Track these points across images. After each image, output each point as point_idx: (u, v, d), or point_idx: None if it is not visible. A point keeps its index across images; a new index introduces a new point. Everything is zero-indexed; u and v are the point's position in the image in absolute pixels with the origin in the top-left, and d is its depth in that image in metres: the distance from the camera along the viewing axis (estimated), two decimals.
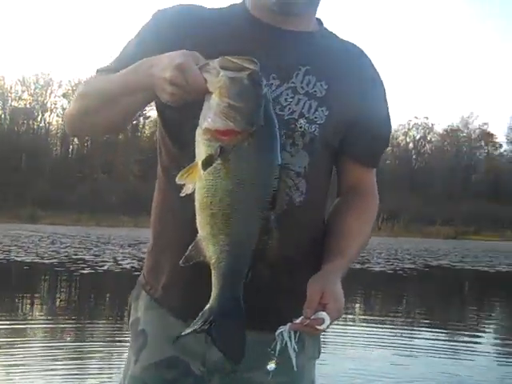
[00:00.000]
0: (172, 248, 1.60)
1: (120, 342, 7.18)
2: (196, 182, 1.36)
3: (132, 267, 15.80)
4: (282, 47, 1.58)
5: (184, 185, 1.38)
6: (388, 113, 1.73)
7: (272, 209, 1.37)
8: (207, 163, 1.33)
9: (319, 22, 1.70)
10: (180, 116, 1.54)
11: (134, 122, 69.63)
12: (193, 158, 1.38)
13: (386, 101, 1.71)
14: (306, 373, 1.64)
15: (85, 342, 7.50)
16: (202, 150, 1.34)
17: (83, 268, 15.06)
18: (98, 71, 1.67)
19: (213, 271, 1.39)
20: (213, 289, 1.39)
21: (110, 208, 49.43)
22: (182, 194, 1.37)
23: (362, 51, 1.71)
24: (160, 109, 1.63)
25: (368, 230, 1.70)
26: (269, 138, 1.36)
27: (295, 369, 1.49)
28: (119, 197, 51.58)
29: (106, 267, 15.60)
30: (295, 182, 1.55)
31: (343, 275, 1.56)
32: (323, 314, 1.43)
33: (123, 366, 1.75)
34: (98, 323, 8.82)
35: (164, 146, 1.66)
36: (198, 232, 1.42)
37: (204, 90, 1.34)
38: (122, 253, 20.73)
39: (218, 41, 1.53)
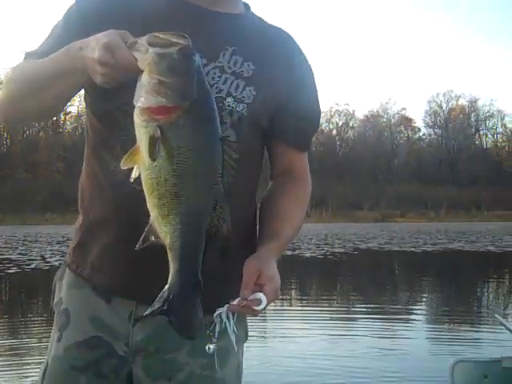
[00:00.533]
0: (100, 227, 1.59)
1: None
2: (140, 165, 1.33)
3: (61, 264, 15.44)
4: (209, 27, 1.58)
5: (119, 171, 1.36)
6: (316, 96, 1.74)
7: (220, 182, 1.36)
8: (150, 145, 1.29)
9: (246, 6, 1.70)
10: (107, 96, 1.51)
11: (55, 119, 68.44)
12: (124, 140, 1.38)
13: (314, 84, 1.73)
14: (230, 355, 1.62)
15: (19, 339, 7.30)
16: (140, 132, 1.31)
17: (9, 268, 14.67)
18: (26, 55, 1.64)
19: (169, 252, 1.37)
20: (170, 269, 1.37)
21: (35, 206, 48.38)
22: (131, 180, 1.34)
23: (290, 36, 1.72)
24: (87, 91, 1.60)
25: (301, 212, 1.71)
26: (206, 111, 1.34)
27: (235, 349, 1.51)
28: (44, 195, 50.53)
29: (33, 265, 15.24)
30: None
31: (278, 257, 1.57)
32: (260, 295, 1.43)
33: None
34: (30, 321, 8.60)
35: (91, 128, 1.63)
36: (126, 211, 1.43)
37: (135, 68, 1.31)
38: (50, 250, 20.32)
39: (145, 22, 1.51)
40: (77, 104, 70.16)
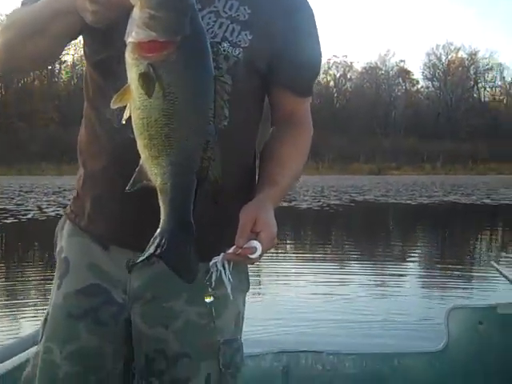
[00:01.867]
0: (96, 178, 1.59)
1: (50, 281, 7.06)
2: (131, 106, 1.29)
3: (58, 215, 15.52)
4: None
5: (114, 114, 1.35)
6: (317, 40, 1.69)
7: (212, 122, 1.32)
8: (141, 83, 1.25)
9: None
10: (101, 43, 1.51)
11: (50, 68, 67.81)
12: (118, 87, 1.32)
13: (314, 28, 1.68)
14: (228, 303, 1.60)
15: (18, 286, 7.35)
16: (132, 71, 1.27)
17: (6, 218, 14.70)
18: (22, 2, 1.61)
19: (159, 195, 1.33)
20: (161, 213, 1.33)
21: (30, 157, 48.25)
22: (123, 121, 1.30)
23: None
24: (84, 38, 1.57)
25: (301, 159, 1.68)
26: (198, 49, 1.30)
27: (231, 298, 1.49)
28: (40, 145, 50.33)
29: (30, 216, 15.27)
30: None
31: (276, 205, 1.55)
32: (255, 243, 1.41)
33: None
34: (28, 269, 8.64)
35: (89, 77, 1.62)
36: (120, 160, 1.42)
37: (126, 4, 1.27)
38: (46, 201, 20.36)
39: None
40: (72, 53, 69.61)
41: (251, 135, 1.67)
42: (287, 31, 1.60)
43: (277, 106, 1.70)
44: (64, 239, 1.67)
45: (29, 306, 6.36)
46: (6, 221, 14.25)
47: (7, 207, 17.63)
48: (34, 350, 1.73)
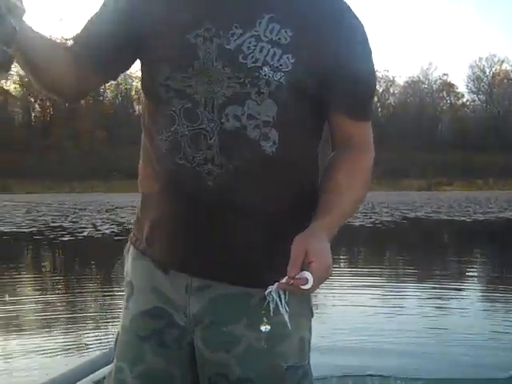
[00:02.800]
0: (151, 201, 1.62)
1: (110, 297, 7.10)
2: None
3: (112, 232, 15.68)
4: None
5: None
6: (370, 59, 1.61)
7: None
8: None
9: None
10: (151, 72, 1.56)
11: None
12: (166, 114, 1.48)
13: (367, 46, 1.60)
14: (289, 329, 1.51)
15: (77, 301, 7.39)
16: None
17: (63, 235, 14.87)
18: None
19: None
20: None
21: (80, 174, 49.01)
22: None
23: None
24: (140, 66, 1.62)
25: (360, 186, 1.60)
26: None
27: (289, 327, 1.44)
28: (88, 163, 51.11)
29: (85, 233, 15.43)
30: (264, 130, 1.49)
31: (333, 234, 1.48)
32: (307, 274, 1.37)
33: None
34: (86, 287, 8.68)
35: (144, 105, 1.65)
36: (171, 185, 1.50)
37: None
38: (100, 218, 20.59)
39: None
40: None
41: (305, 160, 1.61)
42: (338, 49, 1.53)
43: (333, 129, 1.63)
44: (129, 262, 1.70)
45: (88, 320, 6.39)
46: (63, 238, 14.39)
47: (63, 225, 17.84)
48: (106, 369, 1.79)
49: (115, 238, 14.57)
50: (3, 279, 9.61)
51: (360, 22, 1.61)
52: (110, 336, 5.83)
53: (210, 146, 1.48)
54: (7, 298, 7.88)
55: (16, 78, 64.53)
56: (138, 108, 61.15)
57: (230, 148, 1.47)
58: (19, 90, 67.80)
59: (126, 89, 70.06)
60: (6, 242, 14.64)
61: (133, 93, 67.88)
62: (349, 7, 1.60)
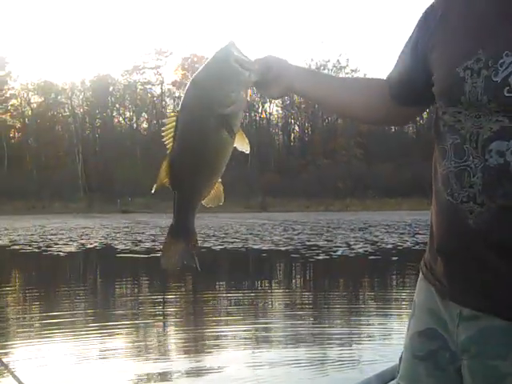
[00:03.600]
0: (433, 229, 1.61)
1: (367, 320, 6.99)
2: None
3: (365, 251, 15.63)
4: None
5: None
6: None
7: None
8: None
9: None
10: (435, 104, 1.59)
11: None
12: (439, 145, 1.52)
13: None
14: None
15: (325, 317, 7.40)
16: None
17: (318, 254, 15.15)
18: None
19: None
20: None
21: (335, 192, 50.06)
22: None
23: None
24: None
25: None
26: None
27: None
28: (344, 181, 52.01)
29: (339, 252, 15.56)
30: None
31: None
32: None
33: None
34: (334, 309, 8.68)
35: (434, 138, 1.64)
36: (446, 219, 1.51)
37: None
38: (353, 237, 20.72)
39: (469, 12, 1.51)
40: None
41: None
42: None
43: None
44: (418, 282, 1.73)
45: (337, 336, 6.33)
46: (317, 257, 14.66)
47: (318, 243, 18.21)
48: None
49: (369, 257, 14.56)
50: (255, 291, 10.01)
51: None
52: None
53: (473, 184, 1.44)
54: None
55: (278, 101, 68.25)
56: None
57: (493, 186, 1.41)
58: (281, 112, 71.40)
59: None
60: (263, 259, 15.31)
61: None
62: None
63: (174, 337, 7.28)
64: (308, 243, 18.28)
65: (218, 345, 6.65)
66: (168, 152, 1.50)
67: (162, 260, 1.57)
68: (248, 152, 1.56)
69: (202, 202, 1.56)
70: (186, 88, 1.51)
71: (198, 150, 1.49)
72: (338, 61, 71.43)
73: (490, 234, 1.42)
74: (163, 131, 1.51)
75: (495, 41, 1.41)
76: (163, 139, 1.50)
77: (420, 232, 22.95)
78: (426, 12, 1.62)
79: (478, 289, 1.48)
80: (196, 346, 6.71)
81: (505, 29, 1.41)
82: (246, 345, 6.63)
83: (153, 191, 1.56)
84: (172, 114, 1.50)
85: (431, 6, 1.62)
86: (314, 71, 1.90)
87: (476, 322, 1.49)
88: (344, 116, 1.91)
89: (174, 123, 1.48)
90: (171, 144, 1.49)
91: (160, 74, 74.31)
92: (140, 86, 75.43)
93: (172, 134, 1.49)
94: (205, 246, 17.55)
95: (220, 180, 1.56)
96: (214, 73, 1.48)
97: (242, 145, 1.54)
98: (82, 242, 20.04)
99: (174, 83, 74.07)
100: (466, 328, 1.52)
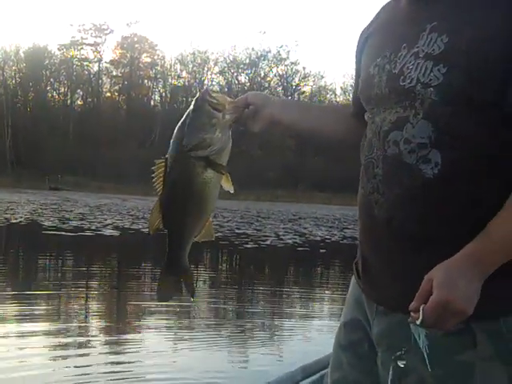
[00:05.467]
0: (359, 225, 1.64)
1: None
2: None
3: (295, 242, 15.80)
4: (416, 9, 1.49)
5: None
6: None
7: None
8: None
9: None
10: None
11: (289, 98, 70.62)
12: (362, 144, 1.62)
13: None
14: (475, 373, 1.38)
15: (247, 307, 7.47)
16: None
17: (247, 242, 15.24)
18: None
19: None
20: None
21: (267, 183, 50.32)
22: None
23: None
24: None
25: None
26: None
27: (428, 368, 1.36)
28: (276, 172, 52.33)
29: (268, 242, 15.68)
30: (421, 153, 1.40)
31: (484, 261, 1.31)
32: (421, 307, 1.29)
33: None
34: (259, 291, 8.76)
35: None
36: (362, 213, 1.59)
37: None
38: (283, 228, 20.89)
39: (381, 24, 1.65)
40: (311, 84, 71.73)
41: (474, 181, 1.38)
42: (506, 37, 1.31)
43: None
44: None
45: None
46: (246, 245, 14.73)
47: (247, 232, 18.29)
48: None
49: (298, 248, 14.73)
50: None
51: None
52: None
53: (376, 175, 1.49)
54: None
55: (216, 88, 67.99)
56: None
57: (391, 175, 1.45)
58: None
59: (319, 100, 71.12)
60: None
61: None
62: None
63: (94, 309, 7.24)
64: (237, 231, 18.33)
65: (138, 318, 6.70)
66: (159, 195, 1.62)
67: (157, 295, 1.71)
68: (232, 192, 1.66)
69: (195, 238, 1.66)
70: (172, 135, 1.65)
71: (185, 193, 1.61)
72: (278, 52, 71.42)
73: (391, 224, 1.45)
74: (153, 177, 1.63)
75: (397, 39, 1.50)
76: (153, 184, 1.62)
77: (348, 227, 23.37)
78: (358, 40, 1.76)
79: (381, 283, 1.52)
80: (117, 319, 6.76)
81: (405, 28, 1.50)
82: (168, 319, 6.67)
83: (150, 234, 1.72)
84: (160, 159, 1.61)
85: (360, 33, 1.76)
86: (297, 103, 2.01)
87: (386, 317, 1.51)
88: (329, 144, 1.99)
89: (163, 168, 1.61)
90: (161, 188, 1.62)
91: (98, 52, 72.82)
92: (77, 62, 73.76)
93: (161, 178, 1.61)
94: (133, 227, 17.40)
95: (211, 217, 1.67)
96: (190, 119, 1.62)
97: (227, 184, 1.65)
98: (7, 216, 19.53)
99: (112, 62, 72.77)
100: (379, 321, 1.54)
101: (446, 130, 1.38)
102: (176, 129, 1.64)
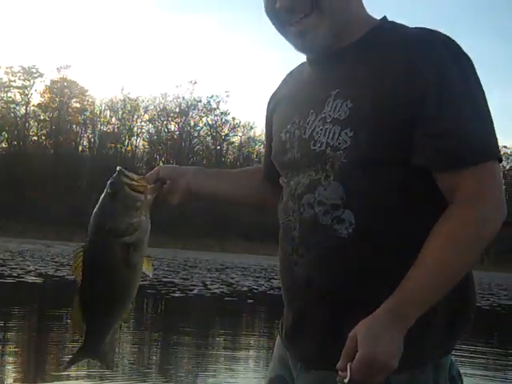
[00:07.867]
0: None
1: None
2: None
3: (222, 292, 15.68)
4: (322, 77, 1.57)
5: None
6: (463, 99, 1.39)
7: None
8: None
9: (383, 19, 1.57)
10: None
11: (218, 147, 71.01)
12: (279, 207, 1.67)
13: (458, 85, 1.40)
14: None
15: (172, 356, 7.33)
16: None
17: (174, 291, 15.02)
18: None
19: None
20: None
21: (196, 230, 49.95)
22: None
23: (423, 38, 1.44)
24: None
25: (452, 249, 1.35)
26: None
27: None
28: (206, 219, 52.06)
29: (195, 291, 15.50)
30: (335, 214, 1.45)
31: (404, 312, 1.34)
32: (348, 365, 1.29)
33: None
34: (184, 341, 8.62)
35: None
36: (282, 275, 1.63)
37: None
38: (210, 277, 20.71)
39: (289, 91, 1.70)
40: (240, 135, 72.35)
41: (388, 236, 1.44)
42: (411, 99, 1.38)
43: (436, 189, 1.43)
44: None
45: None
46: (174, 294, 14.51)
47: (174, 281, 18.06)
48: None
49: (225, 298, 14.60)
50: None
51: (459, 56, 1.44)
52: None
53: (294, 237, 1.53)
54: None
55: (146, 135, 67.79)
56: None
57: (308, 237, 1.49)
58: (147, 147, 70.79)
59: (248, 151, 71.70)
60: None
61: (253, 156, 69.26)
62: (442, 42, 1.43)
63: (10, 361, 6.96)
64: (164, 279, 18.07)
65: (57, 370, 6.43)
66: (78, 287, 1.56)
67: (66, 365, 1.75)
68: (151, 276, 1.66)
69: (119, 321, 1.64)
70: (90, 224, 1.57)
71: (112, 280, 1.56)
72: (208, 102, 71.98)
73: (310, 284, 1.49)
74: (72, 268, 1.57)
75: (305, 104, 1.56)
76: (72, 275, 1.57)
77: (275, 277, 23.34)
78: (267, 106, 1.81)
79: (303, 341, 1.54)
80: (35, 370, 6.50)
81: (311, 94, 1.57)
82: (88, 370, 6.45)
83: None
84: (79, 249, 1.55)
85: (269, 100, 1.81)
86: (211, 171, 1.93)
87: (309, 374, 1.52)
88: (244, 206, 2.05)
89: (82, 258, 1.54)
90: (80, 279, 1.55)
91: (26, 95, 71.66)
92: (3, 105, 72.27)
93: (81, 269, 1.55)
94: (57, 274, 16.94)
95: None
96: (112, 204, 1.55)
97: (148, 268, 1.60)
98: None
99: (40, 105, 71.62)
100: (302, 379, 1.55)
101: (357, 190, 1.44)
102: (94, 215, 1.56)
